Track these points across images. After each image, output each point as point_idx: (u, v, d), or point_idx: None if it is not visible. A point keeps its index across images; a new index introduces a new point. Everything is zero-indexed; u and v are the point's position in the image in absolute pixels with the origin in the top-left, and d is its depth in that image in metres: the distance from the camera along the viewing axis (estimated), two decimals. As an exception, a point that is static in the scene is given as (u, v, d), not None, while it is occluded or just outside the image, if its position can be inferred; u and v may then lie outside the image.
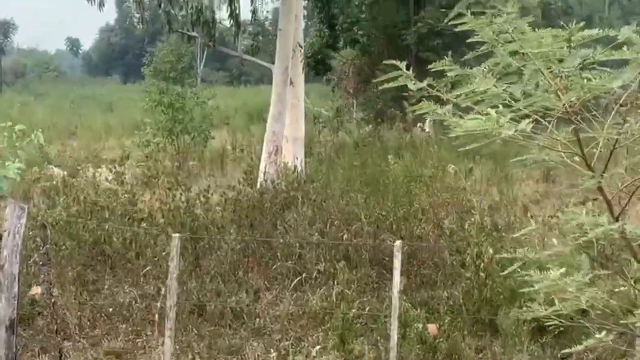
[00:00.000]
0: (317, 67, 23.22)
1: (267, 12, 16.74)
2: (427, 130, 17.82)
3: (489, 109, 2.79)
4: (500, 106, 3.12)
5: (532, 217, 7.61)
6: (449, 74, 3.31)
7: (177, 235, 5.35)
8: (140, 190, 9.14)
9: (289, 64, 11.02)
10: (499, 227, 7.34)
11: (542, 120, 3.17)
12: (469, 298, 6.30)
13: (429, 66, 3.48)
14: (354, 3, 22.70)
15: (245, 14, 12.89)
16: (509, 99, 3.14)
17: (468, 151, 14.00)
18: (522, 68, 3.18)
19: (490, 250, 6.38)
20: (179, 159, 15.90)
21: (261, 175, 10.76)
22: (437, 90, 3.35)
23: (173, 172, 11.79)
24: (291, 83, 11.53)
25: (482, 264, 6.31)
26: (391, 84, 3.53)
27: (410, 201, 7.92)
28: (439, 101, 3.50)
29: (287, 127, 12.05)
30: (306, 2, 26.11)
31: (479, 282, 6.23)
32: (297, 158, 12.16)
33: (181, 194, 8.33)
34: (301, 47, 12.02)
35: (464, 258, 6.58)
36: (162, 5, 11.80)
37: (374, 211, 7.78)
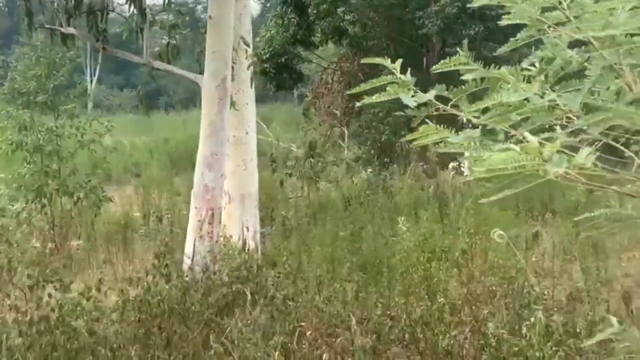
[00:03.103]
0: (280, 76, 23.33)
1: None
2: (466, 173, 17.87)
3: (526, 133, 2.79)
4: (559, 129, 3.16)
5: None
6: (466, 76, 3.34)
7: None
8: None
9: (227, 73, 11.00)
10: (579, 330, 7.28)
11: (626, 151, 3.19)
12: None
13: (434, 67, 3.52)
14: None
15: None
16: (567, 117, 3.17)
17: (533, 206, 14.12)
18: (587, 65, 3.21)
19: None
20: (55, 237, 15.82)
21: (187, 259, 10.65)
22: (454, 106, 3.38)
23: (42, 259, 11.65)
24: (233, 105, 11.51)
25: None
26: (376, 98, 3.57)
27: (432, 292, 7.87)
28: (456, 124, 3.53)
29: (229, 177, 11.99)
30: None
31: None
32: (247, 228, 12.10)
33: (50, 296, 8.20)
34: (248, 46, 12.04)
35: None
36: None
37: (373, 311, 7.71)
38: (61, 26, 11.96)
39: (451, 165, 18.20)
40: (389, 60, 3.47)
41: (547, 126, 3.18)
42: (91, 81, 64.55)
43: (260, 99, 46.78)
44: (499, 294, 8.06)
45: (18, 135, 16.19)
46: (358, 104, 3.68)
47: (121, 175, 26.83)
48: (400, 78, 3.47)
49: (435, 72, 3.53)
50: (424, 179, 16.32)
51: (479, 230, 9.41)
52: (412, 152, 17.26)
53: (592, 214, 3.42)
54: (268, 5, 28.22)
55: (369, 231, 11.54)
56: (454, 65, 3.33)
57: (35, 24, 12.43)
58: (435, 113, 3.45)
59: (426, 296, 7.97)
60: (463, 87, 3.38)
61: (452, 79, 3.61)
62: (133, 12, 11.91)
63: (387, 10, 22.17)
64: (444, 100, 3.39)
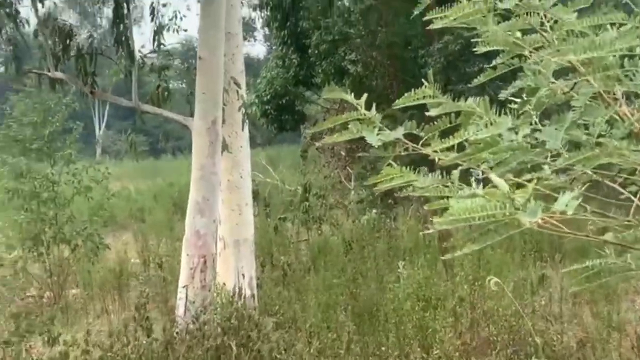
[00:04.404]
0: (281, 118, 22.95)
1: (186, 31, 16.22)
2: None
3: (493, 176, 2.34)
4: (547, 169, 2.74)
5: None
6: (431, 111, 2.96)
7: None
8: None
9: (218, 115, 10.65)
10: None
11: (624, 192, 2.80)
12: None
13: (396, 102, 3.15)
14: (337, 9, 22.56)
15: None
16: (552, 156, 2.75)
17: (542, 247, 13.67)
18: (573, 95, 2.80)
19: None
20: (53, 286, 15.47)
21: (180, 308, 10.25)
22: (425, 144, 3.00)
23: (32, 310, 11.32)
24: (226, 148, 11.15)
25: None
26: (337, 137, 3.26)
27: (428, 344, 7.46)
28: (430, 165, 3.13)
29: (223, 223, 11.64)
30: (257, 11, 26.19)
31: None
32: (243, 276, 11.67)
33: (27, 351, 7.86)
34: (239, 87, 11.67)
35: None
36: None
37: (366, 364, 7.31)
38: (49, 71, 11.65)
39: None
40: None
41: (529, 166, 2.76)
42: (99, 127, 64.83)
43: (267, 142, 46.56)
44: (499, 344, 7.68)
45: (14, 182, 15.95)
46: (317, 144, 3.27)
47: (126, 221, 26.54)
48: (364, 114, 3.10)
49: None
50: (428, 221, 15.94)
51: (479, 276, 9.05)
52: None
53: (584, 265, 3.00)
54: (274, 47, 27.96)
55: (368, 277, 11.17)
56: (418, 98, 2.93)
57: (24, 69, 12.14)
58: (404, 153, 3.08)
59: (419, 348, 7.57)
60: (435, 123, 2.98)
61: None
62: (122, 54, 11.62)
63: (388, 49, 21.87)
64: (416, 139, 3.01)
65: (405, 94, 3.00)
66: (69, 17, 64.51)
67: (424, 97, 2.93)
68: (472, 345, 7.62)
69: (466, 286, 8.59)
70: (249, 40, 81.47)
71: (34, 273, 15.51)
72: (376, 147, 3.06)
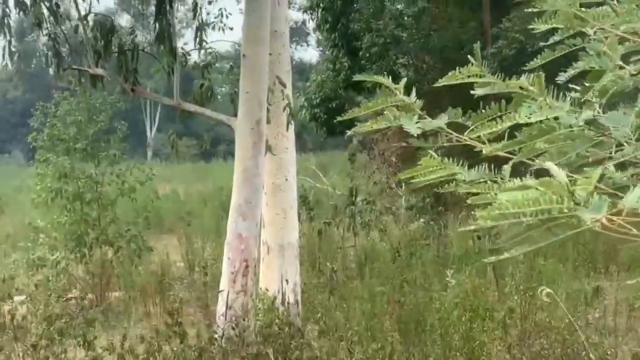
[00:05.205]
0: (331, 121, 22.71)
1: (232, 29, 15.95)
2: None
3: (549, 164, 1.96)
4: (612, 167, 2.36)
5: None
6: (477, 91, 2.60)
7: None
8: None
9: (262, 115, 10.36)
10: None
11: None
12: None
13: (439, 81, 2.82)
14: (389, 11, 22.33)
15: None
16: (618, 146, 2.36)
17: (595, 257, 13.26)
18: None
19: None
20: (95, 288, 15.31)
21: (219, 313, 10.00)
22: (471, 134, 2.64)
23: (66, 313, 11.18)
24: (269, 149, 10.86)
25: None
26: (371, 125, 2.96)
27: (475, 356, 7.12)
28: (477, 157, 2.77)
29: (267, 227, 11.38)
30: (308, 13, 26.02)
31: None
32: (286, 281, 11.38)
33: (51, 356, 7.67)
34: (284, 86, 11.36)
35: None
36: (45, 24, 11.22)
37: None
38: (89, 67, 11.42)
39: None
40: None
41: (590, 160, 2.38)
42: (151, 129, 65.21)
43: (319, 147, 46.43)
44: (551, 358, 7.34)
45: (58, 182, 15.81)
46: (349, 132, 2.94)
47: (173, 224, 26.48)
48: (402, 99, 2.75)
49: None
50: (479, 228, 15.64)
51: (530, 286, 8.74)
52: (465, 198, 16.60)
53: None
54: (326, 52, 27.85)
55: (414, 285, 10.87)
56: (463, 78, 2.56)
57: (64, 66, 11.92)
58: (447, 144, 2.73)
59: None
60: (484, 111, 2.60)
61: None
62: (163, 51, 11.38)
63: (441, 53, 21.58)
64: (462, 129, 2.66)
65: (450, 73, 2.64)
66: (123, 20, 65.19)
67: (469, 76, 2.55)
68: (522, 359, 7.30)
69: (516, 296, 8.29)
70: (301, 45, 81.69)
71: (77, 275, 15.33)
72: (415, 136, 2.71)
